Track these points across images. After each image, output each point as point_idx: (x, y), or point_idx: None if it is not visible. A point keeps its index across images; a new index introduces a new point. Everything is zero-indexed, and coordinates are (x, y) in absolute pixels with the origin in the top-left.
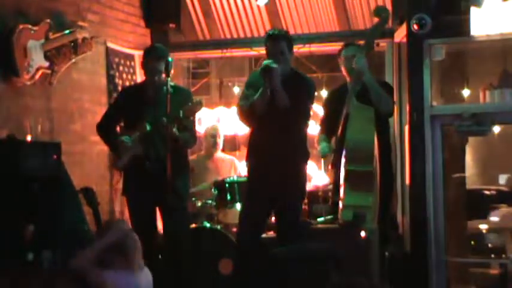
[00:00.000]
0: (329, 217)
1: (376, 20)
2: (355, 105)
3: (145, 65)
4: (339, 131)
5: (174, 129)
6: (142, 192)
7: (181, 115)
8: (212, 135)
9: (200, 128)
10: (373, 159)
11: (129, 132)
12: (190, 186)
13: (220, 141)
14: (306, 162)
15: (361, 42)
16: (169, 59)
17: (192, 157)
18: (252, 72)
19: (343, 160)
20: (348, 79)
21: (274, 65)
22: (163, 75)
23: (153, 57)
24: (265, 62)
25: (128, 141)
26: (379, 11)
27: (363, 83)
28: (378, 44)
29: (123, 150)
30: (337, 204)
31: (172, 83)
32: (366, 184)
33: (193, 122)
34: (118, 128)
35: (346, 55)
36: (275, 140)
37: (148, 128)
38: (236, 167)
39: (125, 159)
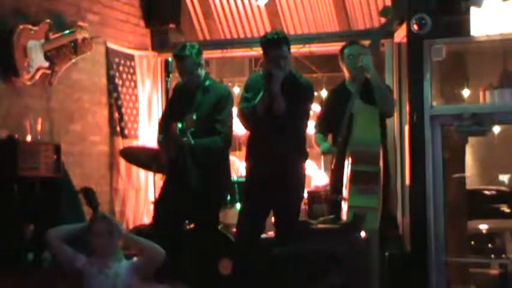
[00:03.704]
0: (331, 216)
1: (383, 20)
2: (359, 105)
3: None
4: (344, 131)
5: (185, 138)
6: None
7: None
8: None
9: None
10: (379, 160)
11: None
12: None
13: None
14: (304, 162)
15: (365, 42)
16: (169, 58)
17: None
18: (250, 75)
19: (346, 160)
20: (348, 78)
21: (277, 71)
22: (200, 73)
23: (174, 58)
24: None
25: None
26: (386, 12)
27: (368, 81)
28: (382, 44)
29: (162, 151)
30: (338, 204)
31: (210, 81)
32: (372, 185)
33: (225, 123)
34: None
35: (349, 53)
36: (274, 141)
37: (178, 129)
38: (238, 168)
39: (164, 160)
